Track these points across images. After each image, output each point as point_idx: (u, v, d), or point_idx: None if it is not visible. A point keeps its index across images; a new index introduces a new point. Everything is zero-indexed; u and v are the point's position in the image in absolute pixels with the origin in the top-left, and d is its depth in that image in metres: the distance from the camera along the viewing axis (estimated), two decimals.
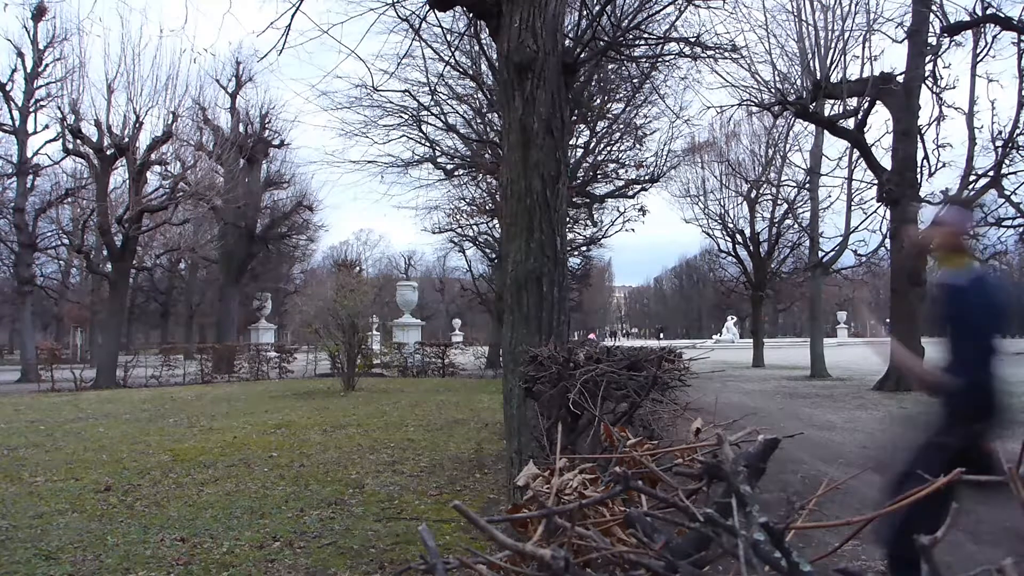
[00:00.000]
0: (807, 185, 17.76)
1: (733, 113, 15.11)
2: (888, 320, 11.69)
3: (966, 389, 2.41)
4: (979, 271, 2.45)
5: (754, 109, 14.10)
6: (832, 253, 16.81)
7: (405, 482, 5.05)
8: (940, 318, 2.54)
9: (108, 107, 15.55)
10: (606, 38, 5.87)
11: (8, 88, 18.54)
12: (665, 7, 7.11)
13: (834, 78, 11.28)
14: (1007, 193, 11.12)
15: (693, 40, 7.71)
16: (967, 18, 10.77)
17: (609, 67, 11.64)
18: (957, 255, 2.58)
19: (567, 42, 5.00)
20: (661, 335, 58.22)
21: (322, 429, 7.60)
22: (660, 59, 9.02)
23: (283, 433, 7.38)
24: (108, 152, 15.65)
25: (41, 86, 18.90)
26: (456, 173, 17.04)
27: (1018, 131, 10.88)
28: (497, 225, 18.31)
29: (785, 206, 19.60)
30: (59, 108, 17.12)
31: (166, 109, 16.08)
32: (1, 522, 4.02)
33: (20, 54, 18.42)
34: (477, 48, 10.91)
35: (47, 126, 19.43)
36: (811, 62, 11.21)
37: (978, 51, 11.44)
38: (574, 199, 15.58)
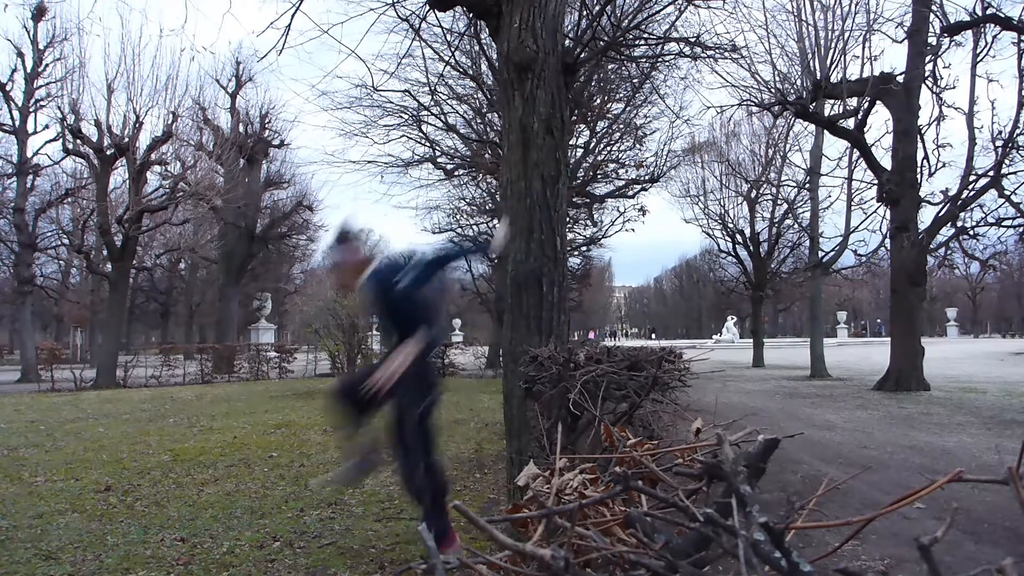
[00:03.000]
0: (807, 185, 17.75)
1: (733, 113, 15.11)
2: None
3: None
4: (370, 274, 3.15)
5: (754, 109, 14.09)
6: (832, 253, 16.79)
7: None
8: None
9: (108, 107, 15.57)
10: (606, 38, 5.87)
11: (8, 88, 18.54)
12: (665, 7, 7.11)
13: (834, 78, 11.27)
14: (1007, 193, 11.11)
15: (693, 40, 7.71)
16: (967, 18, 10.76)
17: (609, 67, 11.64)
18: (357, 273, 3.20)
19: (567, 42, 5.00)
20: (653, 335, 57.95)
21: (322, 429, 7.60)
22: (660, 59, 9.01)
23: (283, 433, 7.38)
24: (108, 152, 15.65)
25: (41, 86, 18.91)
26: (456, 173, 17.05)
27: (1018, 131, 10.87)
28: (497, 225, 18.29)
29: (785, 206, 19.59)
30: (59, 108, 17.13)
31: (166, 109, 16.09)
32: (1, 522, 4.02)
33: (20, 54, 18.43)
34: (477, 48, 10.92)
35: (47, 126, 19.44)
36: (811, 62, 11.21)
37: (978, 51, 11.43)
38: (574, 199, 15.58)
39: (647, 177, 16.57)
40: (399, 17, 6.69)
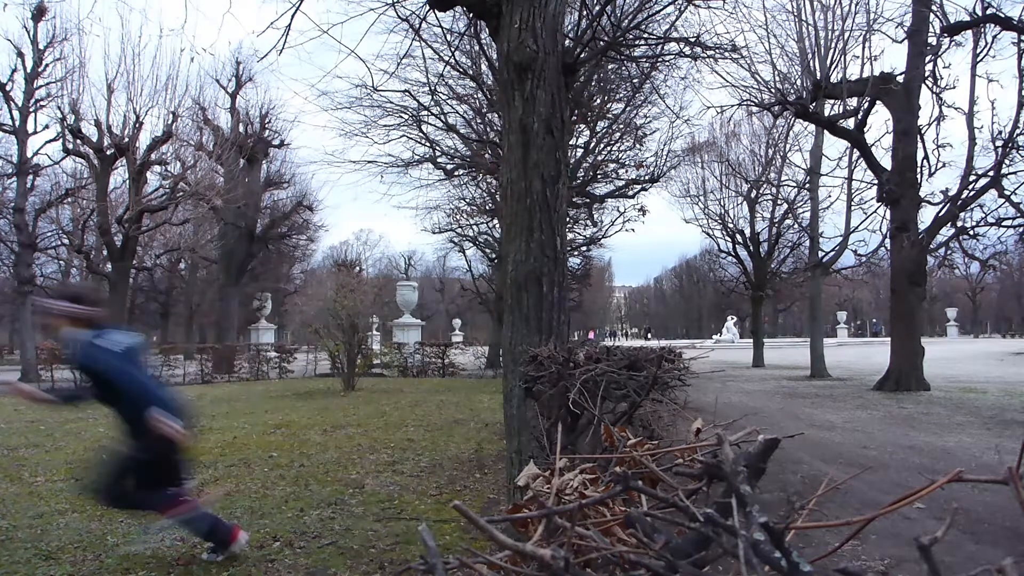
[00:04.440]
0: (807, 185, 17.74)
1: (733, 113, 15.13)
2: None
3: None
4: (91, 334, 3.20)
5: (754, 109, 14.10)
6: (832, 253, 16.79)
7: (405, 482, 5.05)
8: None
9: (108, 107, 15.58)
10: (606, 38, 5.86)
11: (8, 88, 18.52)
12: (665, 7, 7.11)
13: (834, 78, 11.27)
14: (1007, 193, 11.10)
15: (693, 40, 7.71)
16: (967, 18, 10.75)
17: (609, 67, 11.64)
18: (78, 325, 3.24)
19: (567, 42, 5.00)
20: (650, 335, 57.76)
21: (322, 429, 7.60)
22: (660, 59, 9.02)
23: (283, 433, 7.38)
24: (108, 152, 15.66)
25: (41, 86, 18.86)
26: (456, 173, 17.05)
27: (1018, 131, 10.86)
28: (497, 225, 18.32)
29: (785, 206, 19.59)
30: (59, 108, 17.12)
31: (166, 109, 16.10)
32: (1, 522, 4.02)
33: (20, 54, 18.39)
34: (477, 48, 10.91)
35: (47, 126, 19.35)
36: (811, 62, 11.21)
37: (978, 51, 11.42)
38: (574, 199, 15.58)
39: (647, 177, 16.58)
40: (399, 17, 6.69)
